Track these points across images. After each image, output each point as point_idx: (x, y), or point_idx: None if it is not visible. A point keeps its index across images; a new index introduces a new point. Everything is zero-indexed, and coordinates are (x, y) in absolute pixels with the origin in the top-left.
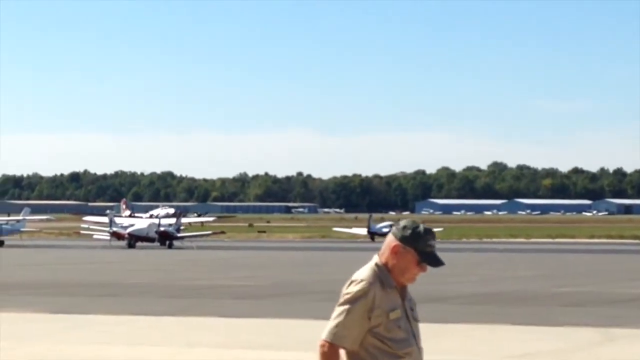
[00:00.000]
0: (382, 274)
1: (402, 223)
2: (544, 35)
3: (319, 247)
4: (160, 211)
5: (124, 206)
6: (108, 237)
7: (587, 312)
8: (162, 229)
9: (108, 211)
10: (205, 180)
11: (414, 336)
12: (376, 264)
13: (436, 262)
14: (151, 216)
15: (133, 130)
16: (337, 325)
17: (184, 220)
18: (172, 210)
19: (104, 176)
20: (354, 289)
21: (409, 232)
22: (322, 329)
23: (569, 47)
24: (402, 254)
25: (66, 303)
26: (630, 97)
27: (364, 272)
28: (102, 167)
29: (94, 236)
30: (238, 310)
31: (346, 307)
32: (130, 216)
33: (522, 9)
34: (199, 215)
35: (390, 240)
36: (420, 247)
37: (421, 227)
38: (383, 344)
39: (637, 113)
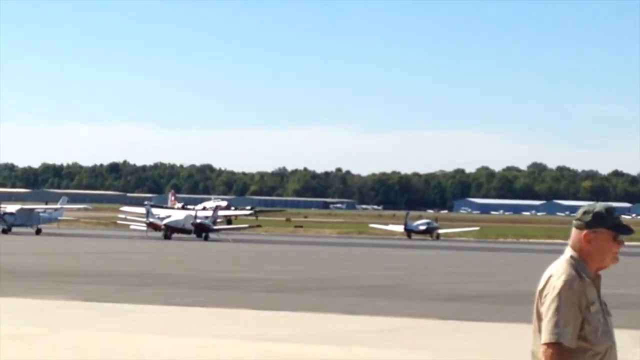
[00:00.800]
0: (579, 266)
1: (579, 213)
2: (585, 37)
3: (354, 243)
4: (212, 203)
5: (172, 197)
6: (145, 228)
7: (621, 314)
8: (198, 221)
9: (146, 202)
10: (244, 173)
11: (611, 331)
12: (571, 257)
13: (628, 230)
14: (204, 208)
15: (173, 123)
16: (555, 325)
17: (236, 213)
18: (224, 203)
19: (143, 167)
20: (556, 283)
21: (590, 216)
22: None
23: (609, 50)
24: (595, 239)
25: (99, 292)
26: None
27: (560, 266)
28: (141, 158)
29: (131, 226)
30: (270, 303)
31: (555, 304)
32: (182, 208)
33: (562, 11)
34: (252, 209)
35: (577, 232)
36: (608, 223)
37: (598, 206)
38: (585, 341)
39: None
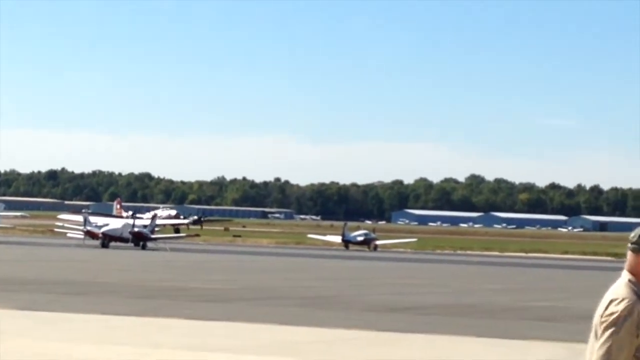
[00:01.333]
0: (638, 290)
1: (635, 236)
2: (523, 50)
3: (292, 254)
4: (162, 212)
5: (118, 206)
6: (82, 236)
7: (556, 328)
8: (136, 229)
9: (84, 210)
10: (182, 182)
11: None
12: (629, 280)
13: None
14: (154, 217)
15: (112, 130)
16: (607, 351)
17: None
18: (174, 212)
19: (82, 175)
20: (617, 308)
21: None
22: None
23: (548, 63)
24: None
25: (34, 300)
26: (608, 115)
27: (621, 290)
28: (79, 165)
29: (68, 234)
30: (206, 313)
31: (612, 329)
32: (132, 216)
33: (502, 24)
34: (199, 218)
35: (633, 256)
36: None
37: None
38: None
39: (615, 132)
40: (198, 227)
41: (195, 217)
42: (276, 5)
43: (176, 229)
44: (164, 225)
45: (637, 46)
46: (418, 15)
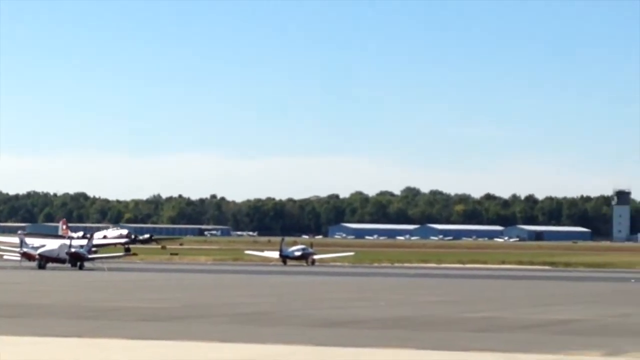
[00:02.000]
0: None
1: None
2: (458, 62)
3: (230, 270)
4: (113, 232)
5: (63, 227)
6: (18, 258)
7: (494, 338)
8: (72, 250)
9: (20, 231)
10: (118, 201)
11: None
12: None
13: None
14: (104, 237)
15: (47, 151)
16: None
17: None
18: (125, 231)
19: (16, 196)
20: None
21: None
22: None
23: (482, 75)
24: None
25: None
26: (542, 125)
27: None
28: (14, 187)
29: (4, 257)
30: (145, 332)
31: None
32: (83, 237)
33: (435, 41)
34: (150, 237)
35: None
36: None
37: None
38: None
39: (549, 141)
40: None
41: (147, 236)
42: (206, 22)
43: (127, 248)
44: (115, 244)
45: (571, 59)
46: (345, 30)
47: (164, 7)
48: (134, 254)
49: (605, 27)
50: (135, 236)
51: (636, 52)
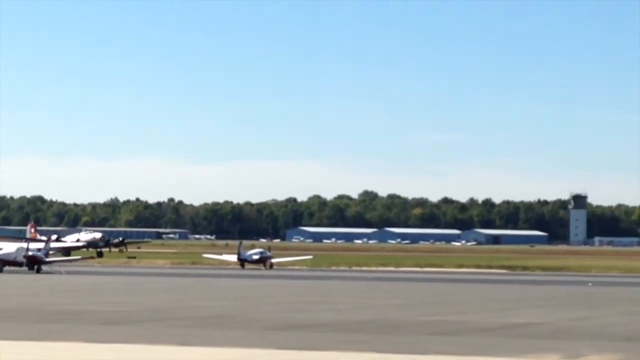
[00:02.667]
0: None
1: None
2: (415, 68)
3: (188, 274)
4: (85, 236)
5: (32, 230)
6: None
7: (453, 341)
8: (30, 253)
9: None
10: (75, 204)
11: None
12: None
13: None
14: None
15: (2, 154)
16: None
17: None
18: (98, 235)
19: None
20: None
21: None
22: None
23: (439, 81)
24: None
25: None
26: (499, 130)
27: None
28: None
29: None
30: (103, 336)
31: None
32: (57, 240)
33: (393, 46)
34: (122, 241)
35: None
36: None
37: None
38: None
39: (506, 145)
40: (119, 249)
41: (118, 239)
42: (163, 26)
43: (99, 252)
44: (87, 248)
45: (527, 65)
46: (302, 34)
47: (121, 8)
48: (92, 257)
49: (560, 32)
50: (109, 240)
51: (592, 56)
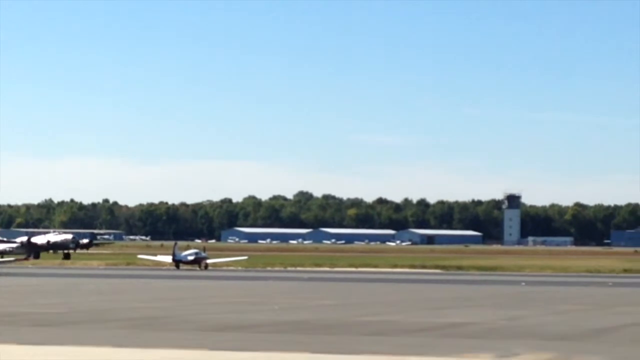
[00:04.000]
0: None
1: None
2: (351, 69)
3: (123, 275)
4: (55, 237)
5: None
6: None
7: (386, 341)
8: None
9: None
10: (9, 206)
11: None
12: None
13: None
14: (48, 242)
15: None
16: None
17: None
18: (70, 236)
19: None
20: None
21: None
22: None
23: (374, 82)
24: None
25: None
26: (433, 131)
27: None
28: None
29: None
30: (38, 338)
31: None
32: (28, 240)
33: (331, 46)
34: (90, 242)
35: None
36: None
37: None
38: None
39: (440, 146)
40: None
41: (87, 240)
42: (104, 23)
43: (66, 253)
44: (55, 251)
45: (462, 65)
46: (239, 33)
47: (72, 8)
48: (26, 259)
49: (488, 34)
50: (78, 241)
51: (520, 56)
